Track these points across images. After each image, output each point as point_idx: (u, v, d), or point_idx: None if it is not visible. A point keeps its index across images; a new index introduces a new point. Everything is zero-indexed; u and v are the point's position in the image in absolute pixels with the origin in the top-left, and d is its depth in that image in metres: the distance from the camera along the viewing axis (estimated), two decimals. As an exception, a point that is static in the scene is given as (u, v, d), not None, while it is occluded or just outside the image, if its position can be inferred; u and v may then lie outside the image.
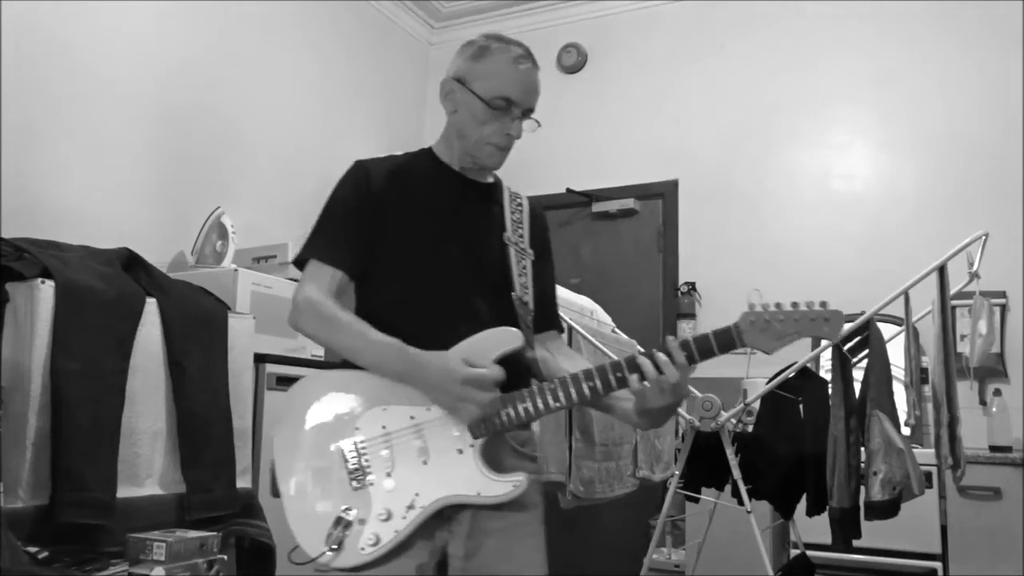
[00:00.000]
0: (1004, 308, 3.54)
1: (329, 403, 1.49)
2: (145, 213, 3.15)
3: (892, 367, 2.42)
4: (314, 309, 1.50)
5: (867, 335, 2.43)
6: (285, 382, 2.65)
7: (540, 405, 1.42)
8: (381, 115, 4.46)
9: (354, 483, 1.43)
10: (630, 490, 2.94)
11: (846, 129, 4.07)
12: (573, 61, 4.69)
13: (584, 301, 3.17)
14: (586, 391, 1.41)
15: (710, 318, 4.02)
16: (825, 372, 2.61)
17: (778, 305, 1.36)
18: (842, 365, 2.41)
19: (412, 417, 1.45)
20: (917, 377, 2.41)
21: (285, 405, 1.54)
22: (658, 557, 3.56)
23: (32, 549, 1.88)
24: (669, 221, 4.38)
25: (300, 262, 1.57)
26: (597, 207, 4.51)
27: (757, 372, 3.00)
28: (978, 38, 3.82)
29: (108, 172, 3.04)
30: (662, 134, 4.43)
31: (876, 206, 3.94)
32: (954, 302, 2.58)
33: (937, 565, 3.09)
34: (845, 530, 2.33)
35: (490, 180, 1.68)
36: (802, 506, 2.55)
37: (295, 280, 1.70)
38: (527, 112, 1.58)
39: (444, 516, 1.44)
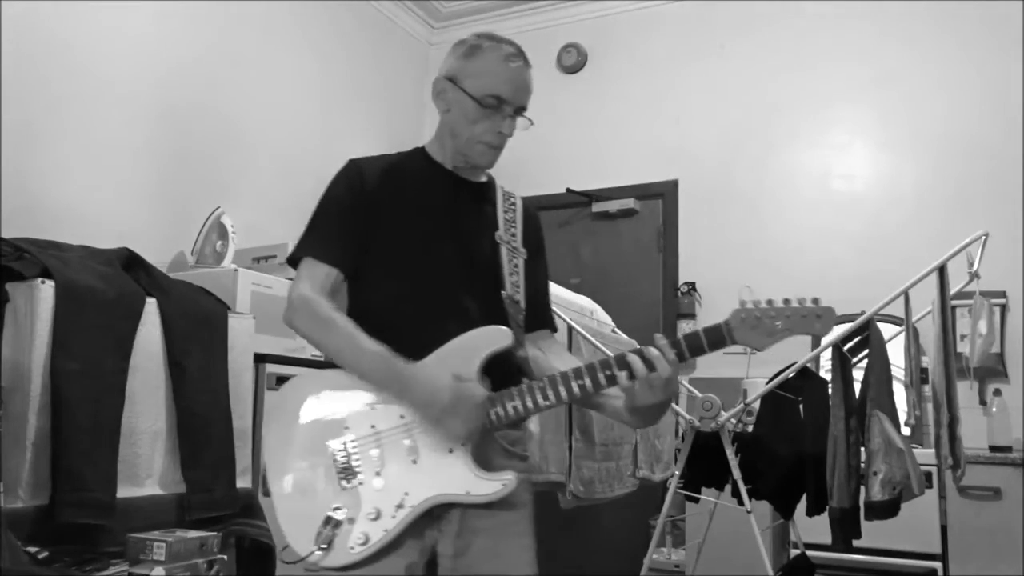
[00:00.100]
0: (1004, 308, 3.54)
1: (319, 402, 1.50)
2: (145, 213, 3.15)
3: (892, 367, 2.42)
4: (309, 308, 1.50)
5: (867, 335, 2.43)
6: (285, 382, 2.64)
7: (529, 404, 1.42)
8: (381, 115, 4.46)
9: (343, 482, 1.43)
10: (630, 490, 2.94)
11: (846, 129, 4.07)
12: (573, 61, 4.69)
13: (584, 301, 3.18)
14: (575, 389, 1.41)
15: (710, 318, 3.98)
16: (825, 372, 2.61)
17: (769, 302, 1.36)
18: (842, 365, 2.41)
19: (402, 416, 1.45)
20: (917, 377, 2.41)
21: (276, 404, 1.55)
22: (658, 557, 3.56)
23: (32, 549, 1.87)
24: (669, 221, 4.38)
25: (294, 260, 1.57)
26: (597, 207, 4.51)
27: (757, 372, 3.00)
28: (978, 38, 3.82)
29: (108, 172, 3.04)
30: (662, 134, 4.43)
31: (876, 206, 3.94)
32: (954, 302, 2.58)
33: (937, 565, 3.09)
34: (845, 530, 2.33)
35: (483, 179, 1.68)
36: (802, 506, 2.55)
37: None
38: (519, 110, 1.57)
39: (434, 515, 1.44)
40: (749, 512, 2.49)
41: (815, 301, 1.35)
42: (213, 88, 3.50)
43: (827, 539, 2.39)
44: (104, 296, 2.19)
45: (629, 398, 1.40)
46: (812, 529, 2.63)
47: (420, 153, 1.66)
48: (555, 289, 2.79)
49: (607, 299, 3.52)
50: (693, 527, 3.42)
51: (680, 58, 4.45)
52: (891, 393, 2.37)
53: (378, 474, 1.43)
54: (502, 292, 1.56)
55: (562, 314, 2.59)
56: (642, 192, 4.44)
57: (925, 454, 2.61)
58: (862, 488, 2.33)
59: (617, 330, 3.26)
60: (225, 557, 2.22)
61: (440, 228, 1.58)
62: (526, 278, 1.62)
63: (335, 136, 4.11)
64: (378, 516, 1.41)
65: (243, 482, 2.47)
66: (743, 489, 2.52)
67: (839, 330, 2.53)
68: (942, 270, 2.39)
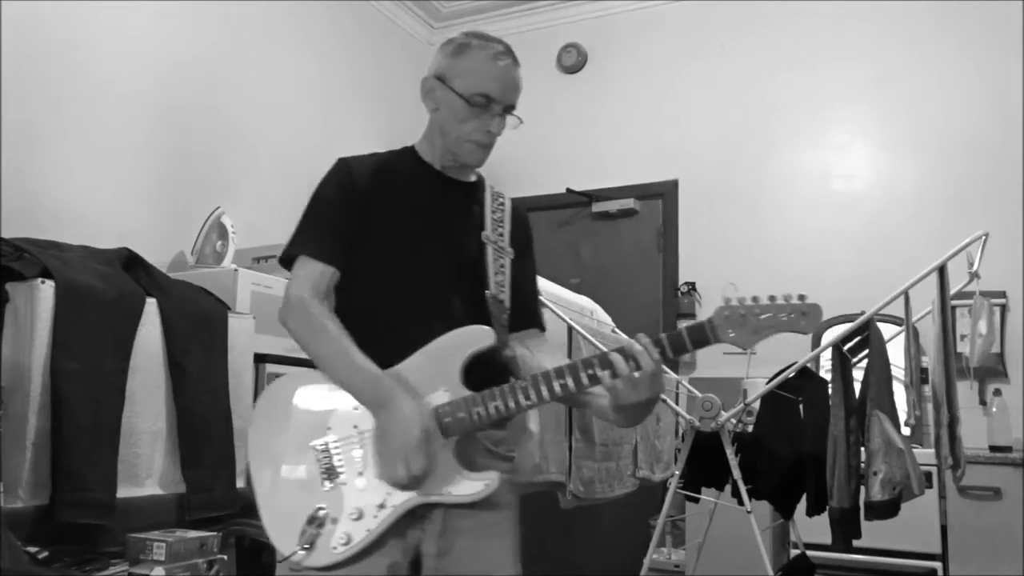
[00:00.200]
0: (1004, 308, 3.54)
1: (302, 403, 1.50)
2: (145, 213, 3.15)
3: (892, 367, 2.41)
4: (306, 311, 1.50)
5: (867, 335, 2.43)
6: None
7: (511, 403, 1.42)
8: (381, 115, 4.45)
9: (326, 482, 1.43)
10: (630, 490, 2.94)
11: (846, 129, 4.07)
12: (573, 61, 4.69)
13: (584, 301, 3.18)
14: (557, 389, 1.40)
15: (710, 318, 4.01)
16: (825, 372, 2.61)
17: (755, 299, 1.35)
18: (842, 365, 2.41)
19: None
20: (917, 377, 2.41)
21: (261, 404, 1.55)
22: (658, 557, 3.56)
23: (32, 549, 1.88)
24: (669, 221, 4.38)
25: (288, 259, 1.57)
26: (597, 207, 4.51)
27: (757, 372, 3.00)
28: (978, 38, 3.82)
29: (108, 172, 3.04)
30: (662, 134, 4.43)
31: (876, 206, 3.94)
32: (954, 302, 2.58)
33: (937, 565, 3.09)
34: (845, 530, 2.33)
35: (472, 179, 1.68)
36: (802, 506, 2.55)
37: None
38: (508, 109, 1.57)
39: (417, 515, 1.44)
40: (749, 512, 2.49)
41: (801, 298, 1.34)
42: (213, 88, 3.50)
43: (827, 539, 2.39)
44: (104, 296, 2.19)
45: (613, 397, 1.39)
46: (812, 529, 2.63)
47: (409, 152, 1.66)
48: (555, 289, 2.80)
49: (607, 299, 3.52)
50: (693, 527, 3.43)
51: (680, 58, 4.45)
52: (891, 393, 2.37)
53: (360, 474, 1.43)
54: (486, 292, 1.56)
55: (562, 314, 2.59)
56: (642, 192, 4.44)
57: (925, 454, 2.61)
58: (862, 488, 2.33)
59: (617, 330, 3.26)
60: (225, 557, 2.22)
61: (427, 228, 1.58)
62: (513, 278, 1.62)
63: (335, 136, 4.10)
64: (360, 516, 1.41)
65: (243, 482, 2.47)
66: (743, 489, 2.52)
67: (839, 330, 2.54)
68: (942, 270, 2.39)
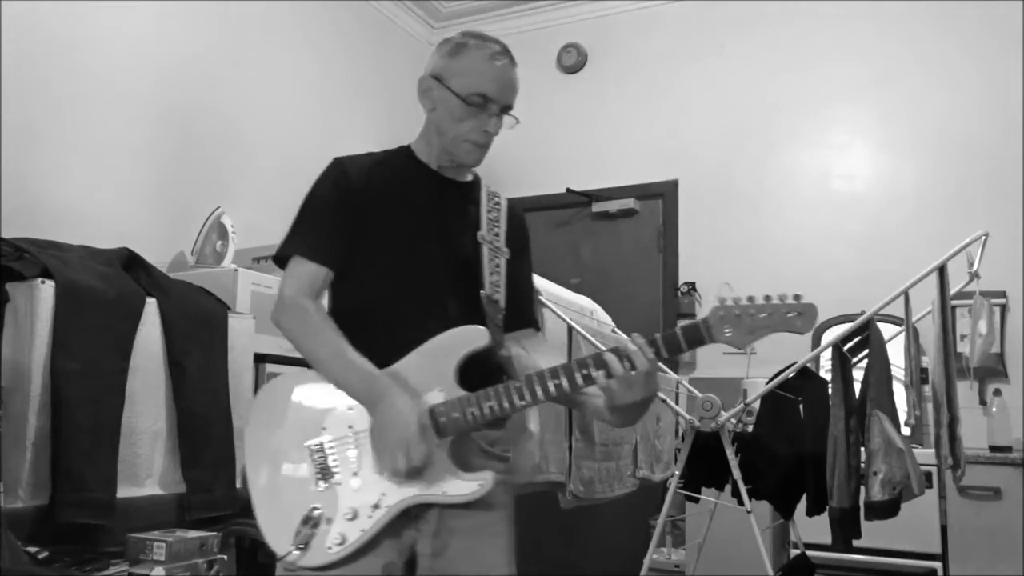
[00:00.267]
0: (1004, 308, 3.54)
1: (297, 403, 1.50)
2: (145, 213, 3.15)
3: (892, 367, 2.41)
4: (299, 311, 1.51)
5: (867, 335, 2.43)
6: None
7: (506, 404, 1.42)
8: (381, 115, 4.45)
9: (321, 483, 1.44)
10: (630, 490, 2.94)
11: (846, 129, 4.07)
12: (573, 61, 4.68)
13: (584, 301, 3.17)
14: (552, 389, 1.40)
15: (710, 318, 4.01)
16: (825, 372, 2.61)
17: (750, 299, 1.34)
18: (842, 365, 2.41)
19: None
20: (917, 377, 2.41)
21: (257, 404, 1.56)
22: (658, 557, 3.56)
23: (32, 549, 1.88)
24: (669, 221, 4.38)
25: (282, 258, 1.58)
26: (597, 207, 4.51)
27: (757, 372, 3.00)
28: (978, 38, 3.82)
29: (108, 172, 3.04)
30: (662, 134, 4.42)
31: (876, 206, 3.94)
32: (954, 302, 2.58)
33: (937, 565, 3.09)
34: (845, 530, 2.33)
35: (468, 178, 1.68)
36: (802, 506, 2.55)
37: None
38: (505, 109, 1.57)
39: (412, 515, 1.44)
40: (749, 512, 2.49)
41: (796, 297, 1.33)
42: (213, 88, 3.50)
43: (827, 539, 2.39)
44: (104, 296, 2.19)
45: (608, 397, 1.39)
46: (812, 529, 2.63)
47: (405, 152, 1.66)
48: (555, 289, 2.80)
49: (607, 299, 3.51)
50: (693, 527, 3.42)
51: (680, 58, 4.45)
52: (891, 393, 2.37)
53: (355, 474, 1.43)
54: (481, 292, 1.56)
55: (562, 314, 2.59)
56: (642, 192, 4.44)
57: (925, 454, 2.61)
58: (862, 488, 2.33)
59: (617, 330, 3.25)
60: (225, 557, 2.22)
61: (423, 228, 1.58)
62: (508, 277, 1.62)
63: (335, 136, 4.10)
64: (355, 516, 1.41)
65: (242, 482, 2.47)
66: (743, 489, 2.52)
67: (839, 330, 2.54)
68: (942, 270, 2.39)
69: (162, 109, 3.26)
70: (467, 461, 1.46)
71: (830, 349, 2.46)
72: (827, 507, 2.38)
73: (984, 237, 2.45)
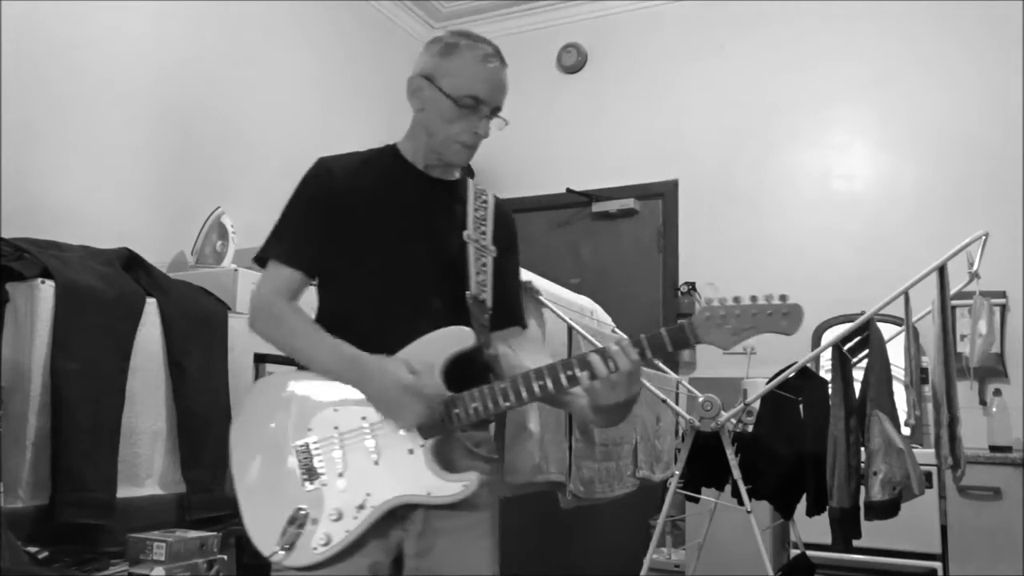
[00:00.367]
0: (1004, 308, 3.54)
1: (283, 404, 1.51)
2: (145, 213, 3.15)
3: (892, 367, 2.41)
4: (270, 312, 1.52)
5: (867, 335, 2.43)
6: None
7: (490, 404, 1.42)
8: (381, 115, 4.44)
9: (307, 483, 1.44)
10: (630, 490, 2.94)
11: (846, 129, 4.07)
12: (573, 61, 4.68)
13: (584, 301, 3.17)
14: (536, 390, 1.41)
15: (710, 318, 4.01)
16: (825, 372, 2.60)
17: (736, 299, 1.34)
18: (842, 365, 2.41)
19: (363, 418, 1.46)
20: (917, 377, 2.41)
21: (243, 405, 1.56)
22: (658, 557, 3.56)
23: (32, 549, 1.88)
24: (669, 221, 4.38)
25: (261, 261, 1.58)
26: (597, 207, 4.51)
27: (757, 372, 3.00)
28: (978, 38, 3.82)
29: (108, 172, 3.04)
30: (662, 134, 4.42)
31: (876, 206, 3.94)
32: (954, 302, 2.58)
33: (937, 565, 3.09)
34: (845, 530, 2.33)
35: (455, 177, 1.68)
36: (802, 506, 2.55)
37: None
38: (495, 110, 1.57)
39: (398, 515, 1.45)
40: (749, 512, 2.49)
41: (783, 298, 1.33)
42: (213, 88, 3.50)
43: (827, 539, 2.38)
44: (104, 296, 2.19)
45: (592, 398, 1.40)
46: (812, 529, 2.63)
47: (391, 151, 1.65)
48: (555, 289, 2.80)
49: (607, 299, 3.51)
50: (693, 527, 3.42)
51: (680, 58, 4.45)
52: (891, 393, 2.37)
53: (341, 475, 1.44)
54: (467, 292, 1.56)
55: (562, 314, 2.59)
56: (642, 192, 4.44)
57: (925, 454, 2.61)
58: (862, 488, 2.33)
59: (617, 330, 3.25)
60: (225, 557, 2.22)
61: (408, 227, 1.58)
62: (495, 276, 1.62)
63: (335, 136, 4.09)
64: (340, 517, 1.42)
65: (243, 482, 2.47)
66: (743, 489, 2.51)
67: (839, 330, 2.53)
68: (942, 270, 2.39)
69: (162, 109, 3.26)
70: (452, 462, 1.47)
71: (830, 349, 2.46)
72: (827, 507, 2.38)
73: (984, 237, 2.44)
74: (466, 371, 1.47)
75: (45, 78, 2.82)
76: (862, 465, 2.34)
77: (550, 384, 1.40)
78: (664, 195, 4.40)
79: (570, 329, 2.61)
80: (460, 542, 1.48)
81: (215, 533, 2.20)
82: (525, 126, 4.55)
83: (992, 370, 3.50)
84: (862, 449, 2.35)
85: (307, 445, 1.46)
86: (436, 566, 1.46)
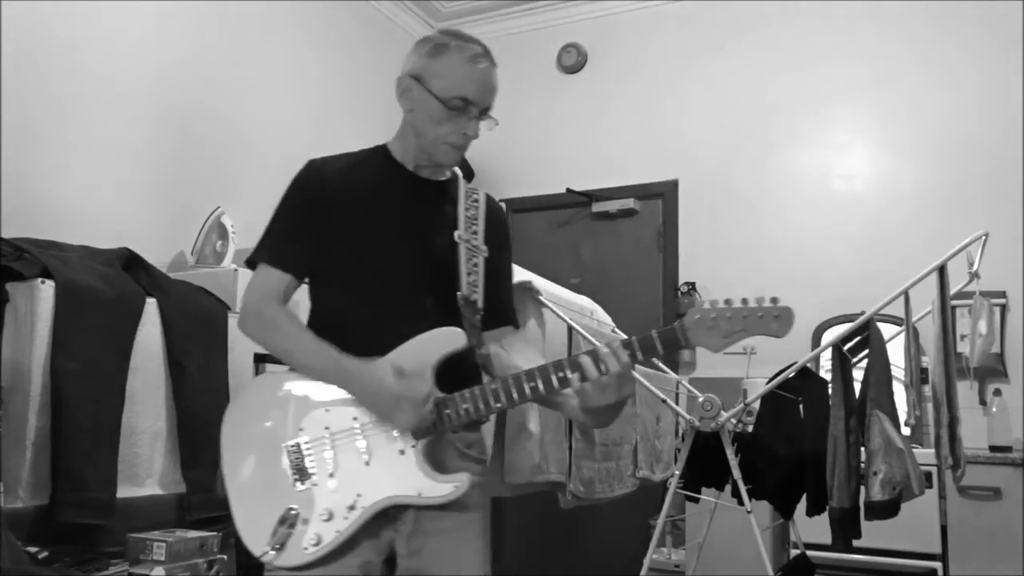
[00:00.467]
0: (1004, 308, 3.54)
1: (275, 404, 1.51)
2: (145, 213, 3.15)
3: (892, 367, 2.41)
4: (259, 314, 1.53)
5: (867, 335, 2.43)
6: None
7: (481, 406, 1.43)
8: (381, 115, 4.43)
9: (298, 483, 1.45)
10: (630, 490, 2.94)
11: (846, 129, 4.07)
12: (573, 61, 4.68)
13: (584, 301, 3.17)
14: (527, 391, 1.41)
15: (710, 318, 4.01)
16: (825, 372, 2.60)
17: (727, 302, 1.34)
18: (842, 365, 2.41)
19: (355, 418, 1.46)
20: (917, 377, 2.41)
21: (234, 404, 1.56)
22: (658, 557, 3.56)
23: (32, 549, 1.88)
24: (669, 221, 4.38)
25: (251, 264, 1.58)
26: (597, 207, 4.51)
27: (757, 372, 3.00)
28: (978, 38, 3.82)
29: (108, 172, 3.04)
30: (662, 134, 4.43)
31: (876, 206, 3.94)
32: (954, 302, 2.58)
33: (937, 565, 3.09)
34: (845, 530, 2.33)
35: (446, 176, 1.67)
36: (802, 506, 2.55)
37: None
38: (484, 111, 1.56)
39: (389, 516, 1.45)
40: (749, 512, 2.49)
41: (773, 301, 1.33)
42: (213, 88, 3.50)
43: (827, 539, 2.39)
44: (104, 296, 2.19)
45: (582, 399, 1.40)
46: (812, 529, 2.63)
47: (381, 151, 1.65)
48: (555, 289, 2.80)
49: (607, 299, 3.51)
50: (693, 527, 3.42)
51: (680, 58, 4.45)
52: (891, 393, 2.37)
53: (331, 475, 1.44)
54: (458, 293, 1.56)
55: (562, 314, 2.59)
56: (642, 192, 4.44)
57: (925, 454, 2.61)
58: (862, 488, 2.33)
59: (617, 330, 3.26)
60: (225, 557, 2.22)
61: (399, 229, 1.57)
62: (487, 276, 1.61)
63: (335, 136, 4.09)
64: (330, 517, 1.42)
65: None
66: (743, 489, 2.51)
67: (839, 330, 2.53)
68: (942, 270, 2.39)
69: (162, 109, 3.26)
70: (443, 463, 1.47)
71: (830, 349, 2.46)
72: (827, 507, 2.38)
73: (984, 237, 2.44)
74: (457, 372, 1.47)
75: (45, 78, 2.82)
76: (862, 465, 2.34)
77: (541, 386, 1.40)
78: (664, 195, 4.41)
79: (570, 329, 2.61)
80: (451, 543, 1.48)
81: (215, 533, 2.20)
82: (525, 126, 4.57)
83: (992, 370, 3.50)
84: (862, 449, 2.35)
85: (298, 445, 1.46)
86: (427, 566, 1.46)
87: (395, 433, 1.44)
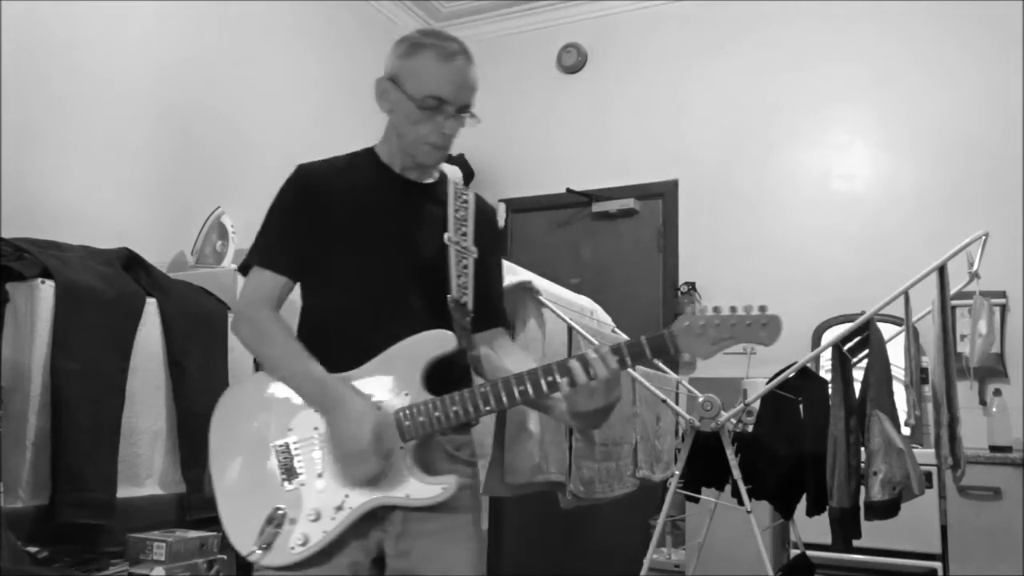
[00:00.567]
0: (1004, 308, 3.54)
1: (264, 404, 1.51)
2: (145, 213, 3.15)
3: (892, 367, 2.41)
4: (253, 319, 1.53)
5: (867, 335, 2.43)
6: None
7: (471, 408, 1.43)
8: (380, 115, 4.44)
9: (286, 483, 1.45)
10: (630, 490, 2.94)
11: (846, 129, 4.07)
12: (573, 61, 4.68)
13: (584, 301, 3.17)
14: (517, 395, 1.41)
15: (710, 318, 4.01)
16: (825, 372, 2.61)
17: (716, 309, 1.36)
18: (842, 365, 2.41)
19: None
20: (917, 377, 2.41)
21: (222, 404, 1.55)
22: (658, 557, 3.56)
23: (32, 549, 1.88)
24: (669, 221, 4.38)
25: (244, 268, 1.59)
26: (597, 207, 4.51)
27: (757, 372, 3.00)
28: (978, 38, 3.82)
29: (108, 172, 3.04)
30: (662, 134, 4.43)
31: (876, 206, 3.94)
32: (954, 302, 2.58)
33: (937, 565, 3.09)
34: (845, 530, 2.33)
35: (434, 178, 1.67)
36: (802, 506, 2.55)
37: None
38: (463, 108, 1.56)
39: (377, 516, 1.45)
40: (749, 512, 2.49)
41: (762, 309, 1.35)
42: (213, 88, 3.50)
43: (827, 539, 2.39)
44: (104, 296, 2.19)
45: (570, 404, 1.40)
46: (812, 529, 2.63)
47: (369, 155, 1.65)
48: (555, 289, 2.80)
49: (607, 299, 3.51)
50: (693, 527, 3.42)
51: (680, 58, 4.45)
52: (891, 393, 2.37)
53: (320, 476, 1.44)
54: (448, 295, 1.56)
55: (562, 314, 2.59)
56: (642, 192, 4.44)
57: (925, 454, 2.61)
58: (862, 488, 2.33)
59: (617, 330, 3.26)
60: (225, 557, 2.22)
61: (388, 232, 1.57)
62: (476, 277, 1.61)
63: (335, 136, 4.09)
64: (318, 518, 1.42)
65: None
66: (743, 489, 2.52)
67: (839, 330, 2.53)
68: (942, 270, 2.39)
69: (162, 109, 3.26)
70: (432, 465, 1.47)
71: (830, 349, 2.46)
72: (827, 507, 2.38)
73: (984, 237, 2.45)
74: (447, 374, 1.47)
75: (45, 78, 2.83)
76: (862, 465, 2.34)
77: (530, 390, 1.40)
78: (664, 195, 4.41)
79: (570, 329, 2.61)
80: (440, 544, 1.48)
81: (215, 533, 2.19)
82: (525, 126, 4.57)
83: (992, 370, 3.50)
84: (862, 449, 2.35)
85: (287, 445, 1.46)
86: (415, 567, 1.46)
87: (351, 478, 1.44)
